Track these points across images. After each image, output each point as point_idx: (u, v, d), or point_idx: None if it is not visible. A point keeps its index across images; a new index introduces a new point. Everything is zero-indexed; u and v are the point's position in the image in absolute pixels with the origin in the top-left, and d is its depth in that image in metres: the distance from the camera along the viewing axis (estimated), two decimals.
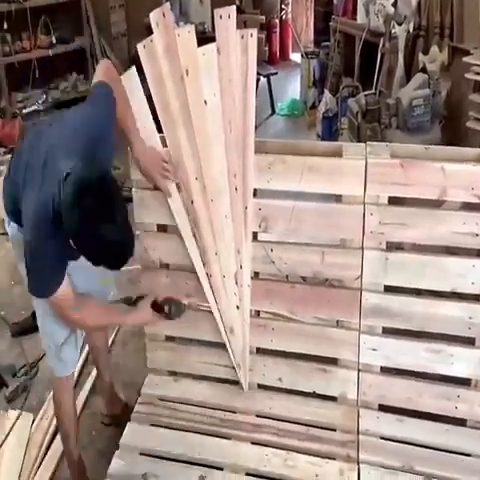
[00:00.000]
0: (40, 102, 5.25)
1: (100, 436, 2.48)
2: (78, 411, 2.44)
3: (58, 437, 2.35)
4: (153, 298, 2.08)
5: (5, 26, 4.93)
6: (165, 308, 2.08)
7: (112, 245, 1.57)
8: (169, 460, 2.02)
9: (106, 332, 2.55)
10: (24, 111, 5.17)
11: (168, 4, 2.00)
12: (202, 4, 6.11)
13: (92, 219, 1.53)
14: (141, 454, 2.05)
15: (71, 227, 1.56)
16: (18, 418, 2.50)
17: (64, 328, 1.98)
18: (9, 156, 4.38)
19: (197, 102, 2.00)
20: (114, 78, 1.92)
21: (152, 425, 2.15)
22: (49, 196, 1.63)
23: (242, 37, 1.99)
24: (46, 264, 1.71)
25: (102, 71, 1.92)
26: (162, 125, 2.05)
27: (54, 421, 2.46)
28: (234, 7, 2.00)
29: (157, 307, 2.08)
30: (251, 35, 1.99)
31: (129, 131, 1.98)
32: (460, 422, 2.08)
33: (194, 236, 2.11)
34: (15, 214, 1.81)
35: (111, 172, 1.74)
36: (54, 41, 5.24)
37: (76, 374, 2.64)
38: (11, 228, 1.90)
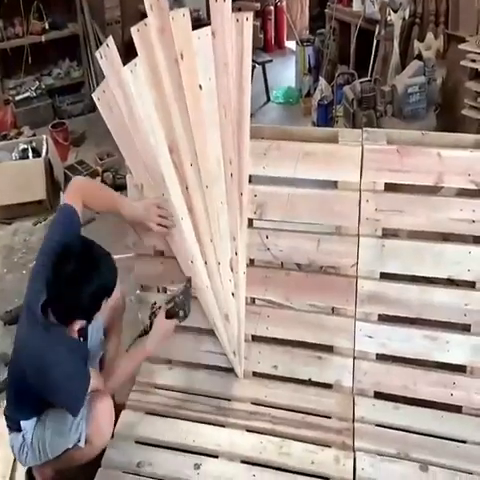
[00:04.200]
0: (33, 89, 5.20)
1: None
2: None
3: None
4: (163, 310, 2.01)
5: None
6: (180, 312, 2.01)
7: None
8: (164, 448, 2.01)
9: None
10: (17, 98, 5.13)
11: None
12: None
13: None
14: (136, 442, 2.03)
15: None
16: None
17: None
18: (2, 143, 4.35)
19: (192, 86, 1.97)
20: (86, 188, 1.98)
21: (147, 413, 2.13)
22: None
23: (237, 21, 1.96)
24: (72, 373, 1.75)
25: (73, 188, 1.97)
26: (156, 110, 2.02)
27: None
28: None
29: (170, 314, 2.01)
30: (246, 19, 1.96)
31: (114, 204, 2.02)
32: (456, 409, 2.07)
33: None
34: None
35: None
36: (47, 27, 5.19)
37: None
38: None
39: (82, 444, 1.84)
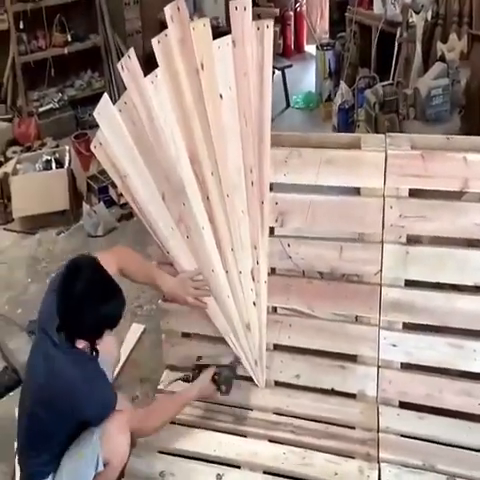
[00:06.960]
0: (56, 100, 5.26)
1: None
2: None
3: None
4: (210, 372, 2.05)
5: (21, 26, 4.95)
6: (222, 387, 2.05)
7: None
8: (186, 458, 2.01)
9: None
10: (40, 109, 5.20)
11: None
12: None
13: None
14: (159, 452, 2.03)
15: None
16: None
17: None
18: (26, 154, 4.41)
19: (212, 96, 1.98)
20: (126, 257, 2.09)
21: (170, 423, 2.10)
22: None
23: (258, 29, 1.96)
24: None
25: (111, 252, 2.11)
26: (176, 119, 2.02)
27: None
28: None
29: (213, 379, 2.05)
30: (267, 26, 1.95)
31: (153, 277, 2.10)
32: None
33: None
34: None
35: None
36: (69, 39, 5.26)
37: None
38: None
39: (101, 468, 1.80)
